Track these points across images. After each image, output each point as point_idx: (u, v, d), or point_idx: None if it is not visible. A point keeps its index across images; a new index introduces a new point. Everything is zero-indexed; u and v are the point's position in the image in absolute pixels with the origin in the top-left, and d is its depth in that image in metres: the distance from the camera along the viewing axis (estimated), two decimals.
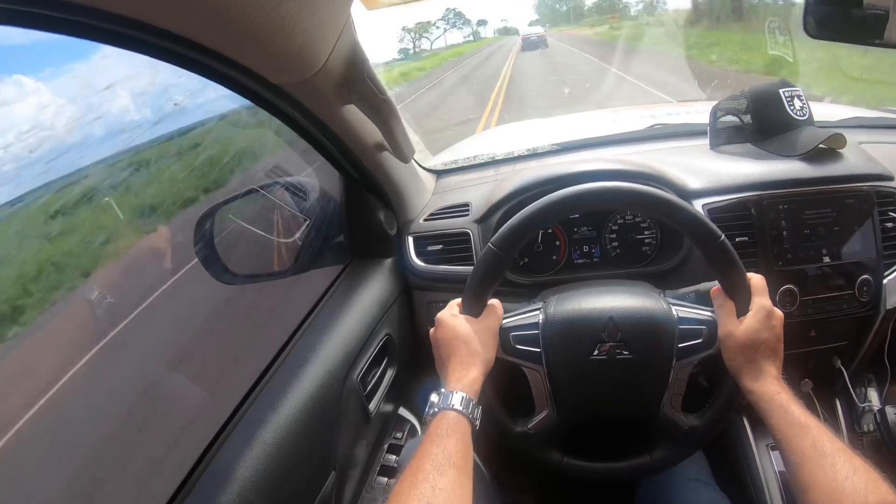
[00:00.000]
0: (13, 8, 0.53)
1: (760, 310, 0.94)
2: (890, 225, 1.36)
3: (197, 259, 1.20)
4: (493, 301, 1.03)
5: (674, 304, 1.02)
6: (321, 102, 1.06)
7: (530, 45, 25.42)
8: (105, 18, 0.61)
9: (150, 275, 1.20)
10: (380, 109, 1.12)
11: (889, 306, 1.37)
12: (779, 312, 0.96)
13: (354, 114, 1.14)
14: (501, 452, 1.12)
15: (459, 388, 0.89)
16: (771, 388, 0.89)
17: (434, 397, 0.90)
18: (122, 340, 1.22)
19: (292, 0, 0.73)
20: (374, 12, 1.29)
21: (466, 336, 0.96)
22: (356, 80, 1.05)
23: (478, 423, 0.89)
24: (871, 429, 1.41)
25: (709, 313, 1.00)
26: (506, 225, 0.99)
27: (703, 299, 1.03)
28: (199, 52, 0.76)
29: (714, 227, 0.96)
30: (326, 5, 0.83)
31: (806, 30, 1.22)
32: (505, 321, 1.04)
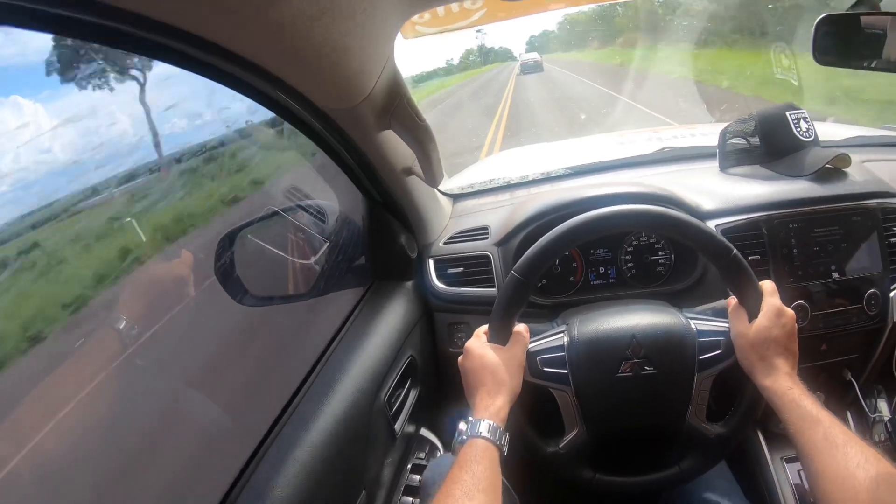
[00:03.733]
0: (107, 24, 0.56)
1: (770, 308, 0.97)
2: (895, 240, 1.41)
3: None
4: (520, 327, 1.05)
5: (692, 319, 1.06)
6: (362, 128, 1.10)
7: (528, 68, 26.54)
8: (184, 39, 0.64)
9: (177, 297, 1.22)
10: (418, 134, 1.16)
11: None
12: (789, 311, 0.98)
13: (389, 139, 1.17)
14: (530, 475, 1.13)
15: (487, 417, 0.91)
16: (784, 384, 0.91)
17: (462, 426, 0.92)
18: (155, 364, 1.23)
19: (355, 30, 0.78)
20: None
21: (494, 366, 0.98)
22: (397, 107, 1.09)
23: (505, 449, 0.90)
24: (883, 438, 1.43)
25: (726, 325, 1.03)
26: (528, 252, 1.01)
27: (720, 315, 1.06)
28: (257, 74, 0.79)
29: (726, 242, 0.99)
30: (380, 35, 0.88)
31: (816, 58, 1.27)
32: (531, 345, 1.06)
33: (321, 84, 0.89)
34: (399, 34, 0.99)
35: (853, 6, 1.26)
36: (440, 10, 1.23)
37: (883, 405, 1.51)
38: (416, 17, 1.01)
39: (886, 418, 1.46)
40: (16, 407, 0.97)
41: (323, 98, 0.95)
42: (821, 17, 1.26)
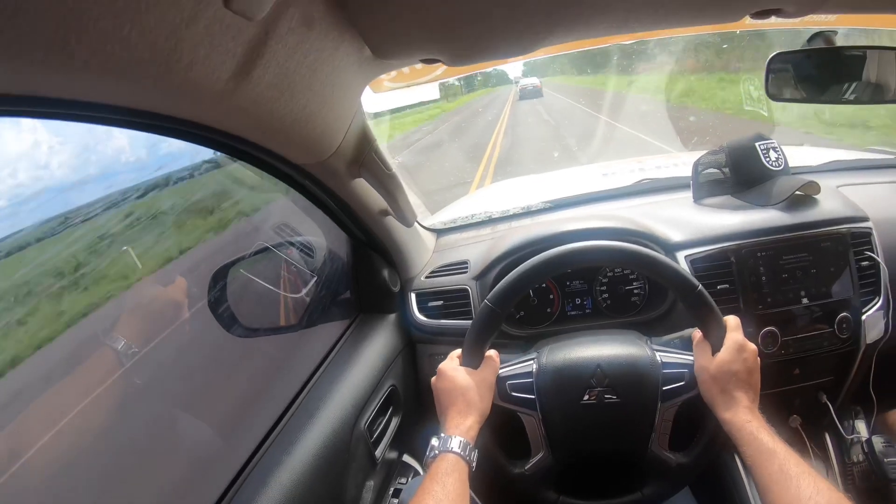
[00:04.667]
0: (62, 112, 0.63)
1: (732, 344, 1.01)
2: (865, 263, 1.44)
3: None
4: (491, 352, 1.11)
5: (658, 351, 1.11)
6: (335, 178, 1.17)
7: (527, 94, 25.91)
8: (169, 120, 0.73)
9: (171, 320, 1.27)
10: (386, 183, 1.23)
11: (869, 341, 1.44)
12: (751, 346, 1.02)
13: (363, 185, 1.24)
14: (497, 491, 1.18)
15: (457, 434, 0.97)
16: (742, 417, 0.95)
17: (434, 441, 0.98)
18: (144, 387, 1.28)
19: (315, 99, 0.86)
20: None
21: (465, 387, 1.03)
22: (365, 158, 1.17)
23: (474, 464, 0.96)
24: (860, 459, 1.46)
25: (690, 357, 1.07)
26: (501, 283, 1.08)
27: (687, 344, 1.10)
28: (240, 142, 0.89)
29: (692, 278, 1.05)
30: (342, 99, 0.96)
31: (769, 93, 1.33)
32: (501, 371, 1.12)
33: (291, 145, 0.97)
34: (369, 90, 1.06)
35: (809, 41, 1.31)
36: (405, 68, 1.30)
37: (861, 426, 1.54)
38: (382, 76, 1.09)
39: (864, 439, 1.48)
40: (15, 418, 1.04)
41: (295, 155, 1.03)
42: (772, 54, 1.31)
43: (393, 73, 1.34)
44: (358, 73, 0.93)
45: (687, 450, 1.09)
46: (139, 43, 0.52)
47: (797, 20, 1.06)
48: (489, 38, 0.89)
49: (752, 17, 0.90)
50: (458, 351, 1.11)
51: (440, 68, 1.35)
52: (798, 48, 1.32)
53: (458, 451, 0.94)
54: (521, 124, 18.02)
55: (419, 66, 1.06)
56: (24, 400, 1.19)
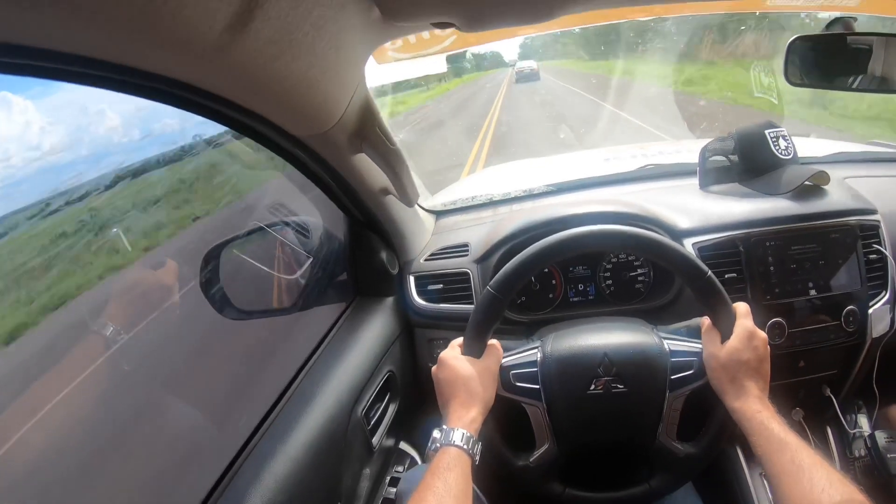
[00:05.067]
0: (39, 64, 0.57)
1: (743, 331, 0.98)
2: (873, 256, 1.42)
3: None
4: (493, 341, 1.07)
5: (665, 338, 1.08)
6: (335, 152, 1.12)
7: (523, 77, 24.98)
8: (155, 80, 0.67)
9: (160, 305, 1.24)
10: (389, 158, 1.17)
11: (875, 335, 1.42)
12: (762, 334, 1.00)
13: (364, 161, 1.19)
14: (501, 484, 1.15)
15: (460, 426, 0.93)
16: (753, 407, 0.92)
17: (436, 433, 0.94)
18: (135, 374, 1.25)
19: (318, 63, 0.80)
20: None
21: (467, 377, 1.00)
22: (368, 132, 1.11)
23: (477, 458, 0.93)
24: (863, 454, 1.44)
25: (699, 345, 1.04)
26: (504, 269, 1.04)
27: (694, 333, 1.07)
28: (234, 109, 0.82)
29: (701, 264, 1.01)
30: (346, 65, 0.90)
31: (788, 79, 1.29)
32: (505, 360, 1.08)
33: (290, 113, 0.92)
34: (373, 60, 1.01)
35: (827, 27, 1.28)
36: (412, 37, 1.25)
37: (864, 420, 1.53)
38: (388, 45, 1.03)
39: (866, 433, 1.47)
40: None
41: (293, 126, 0.97)
42: (793, 38, 1.27)
43: (398, 41, 1.28)
44: (364, 36, 0.87)
45: (695, 440, 1.06)
46: None
47: (818, 3, 1.02)
48: (507, 1, 0.84)
49: None
50: (460, 339, 1.07)
51: (448, 39, 1.30)
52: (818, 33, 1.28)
53: (461, 444, 0.91)
54: (515, 108, 16.90)
55: (426, 34, 1.00)
56: (8, 386, 1.14)
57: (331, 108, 0.97)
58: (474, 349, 1.04)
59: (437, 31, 0.93)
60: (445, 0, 0.81)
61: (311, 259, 1.44)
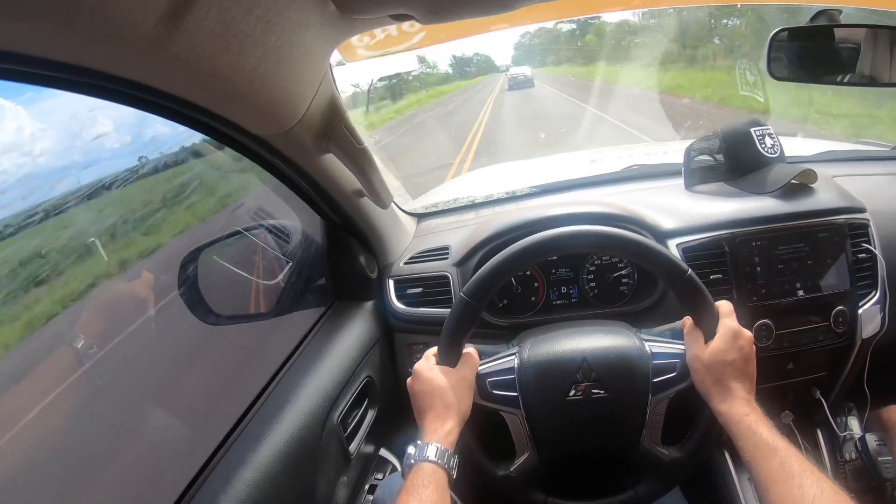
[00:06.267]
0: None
1: (726, 331, 0.96)
2: (863, 256, 1.40)
3: (181, 299, 1.21)
4: (469, 349, 1.05)
5: (647, 341, 1.05)
6: (301, 152, 1.09)
7: (517, 83, 23.92)
8: (97, 77, 0.64)
9: (131, 317, 1.21)
10: (357, 159, 1.15)
11: (865, 336, 1.40)
12: (746, 333, 0.97)
13: (334, 162, 1.17)
14: (483, 494, 1.12)
15: (435, 440, 0.91)
16: (740, 410, 0.90)
17: (411, 449, 0.92)
18: (99, 379, 1.22)
19: (271, 58, 0.77)
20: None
21: (442, 389, 0.97)
22: (334, 131, 1.08)
23: (454, 472, 0.90)
24: (853, 457, 1.42)
25: (682, 347, 1.02)
26: (477, 274, 1.01)
27: (678, 336, 1.05)
28: (187, 107, 0.79)
29: (681, 262, 0.99)
30: (304, 61, 0.87)
31: (771, 73, 1.27)
32: (481, 368, 1.05)
33: (246, 111, 0.89)
34: (341, 58, 0.98)
35: (812, 19, 1.26)
36: (379, 33, 1.22)
37: (854, 423, 1.51)
38: (355, 41, 1.00)
39: (857, 436, 1.45)
40: None
41: (252, 124, 0.94)
42: (776, 30, 1.25)
43: (366, 38, 1.26)
44: (322, 31, 0.84)
45: (680, 444, 1.04)
46: None
47: None
48: None
49: None
50: (435, 349, 1.05)
51: (417, 35, 1.28)
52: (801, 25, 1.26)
53: (435, 459, 0.88)
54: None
55: (395, 31, 0.97)
56: None
57: (291, 106, 0.94)
58: (449, 358, 1.02)
59: (403, 27, 0.90)
60: None
61: (290, 263, 1.42)
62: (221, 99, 0.82)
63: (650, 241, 1.02)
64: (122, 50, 0.60)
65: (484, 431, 1.03)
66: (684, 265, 0.98)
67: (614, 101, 13.26)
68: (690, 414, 1.03)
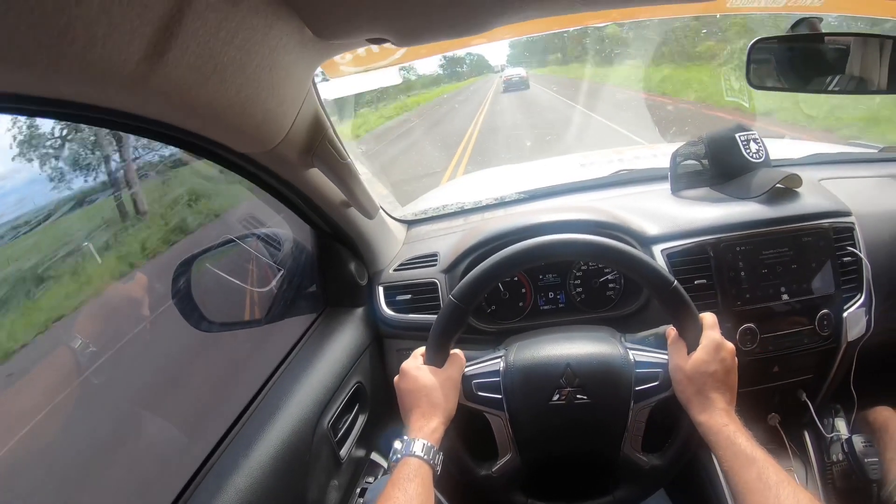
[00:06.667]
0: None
1: (709, 343, 0.97)
2: (848, 259, 1.41)
3: (174, 306, 1.23)
4: (456, 351, 1.07)
5: (631, 349, 1.07)
6: (286, 167, 1.12)
7: (512, 86, 23.24)
8: (84, 108, 0.67)
9: (125, 321, 1.23)
10: (341, 173, 1.17)
11: (850, 338, 1.41)
12: (729, 345, 0.99)
13: (318, 175, 1.19)
14: (465, 493, 1.14)
15: (421, 437, 0.93)
16: (719, 421, 0.91)
17: (398, 444, 0.94)
18: (92, 386, 1.24)
19: (251, 84, 0.79)
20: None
21: (429, 388, 0.99)
22: (318, 147, 1.11)
23: (439, 468, 0.93)
24: (840, 458, 1.42)
25: (665, 356, 1.04)
26: (466, 278, 1.03)
27: (662, 342, 1.07)
28: (172, 130, 0.82)
29: (667, 274, 1.00)
30: (285, 84, 0.89)
31: (750, 82, 1.28)
32: (467, 369, 1.08)
33: (230, 132, 0.91)
34: (323, 74, 1.00)
35: (792, 28, 1.27)
36: (361, 50, 1.24)
37: (841, 424, 1.52)
38: (338, 59, 1.02)
39: (844, 437, 1.45)
40: None
41: (238, 144, 0.97)
42: (754, 40, 1.26)
43: (348, 55, 1.28)
44: (301, 55, 0.86)
45: (660, 451, 1.06)
46: (20, 22, 0.46)
47: (782, 4, 1.01)
48: (439, 14, 0.83)
49: None
50: (422, 349, 1.07)
51: (398, 51, 1.30)
52: (781, 34, 1.27)
53: (421, 454, 0.91)
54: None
55: (363, 50, 0.99)
56: None
57: (274, 126, 0.96)
58: (436, 358, 1.04)
59: (375, 47, 0.92)
60: (375, 17, 0.81)
61: (282, 271, 1.43)
62: (206, 123, 0.84)
63: (637, 252, 1.03)
64: (106, 86, 0.62)
65: (468, 431, 1.05)
66: (670, 277, 1.00)
67: (625, 110, 11.90)
68: (671, 423, 1.04)
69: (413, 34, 0.88)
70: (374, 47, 0.93)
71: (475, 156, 10.19)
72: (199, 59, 0.66)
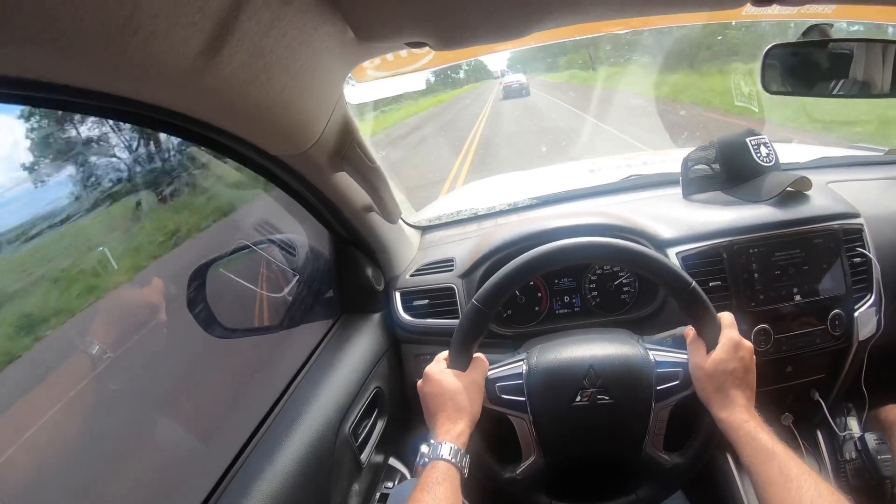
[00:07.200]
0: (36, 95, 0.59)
1: (728, 341, 0.98)
2: (857, 260, 1.43)
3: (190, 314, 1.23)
4: (479, 355, 1.08)
5: (651, 349, 1.08)
6: (315, 170, 1.12)
7: (512, 92, 22.74)
8: (130, 104, 0.67)
9: (147, 323, 1.23)
10: (369, 177, 1.18)
11: (861, 338, 1.42)
12: (747, 343, 1.00)
13: (344, 179, 1.20)
14: (489, 496, 1.14)
15: (448, 440, 0.93)
16: (739, 417, 0.92)
17: (424, 448, 0.94)
18: (120, 392, 1.24)
19: (294, 84, 0.81)
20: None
21: (454, 391, 1.00)
22: (348, 151, 1.12)
23: (466, 471, 0.93)
24: (853, 456, 1.44)
25: (685, 356, 1.05)
26: (488, 282, 1.04)
27: (680, 343, 1.08)
28: (206, 129, 0.83)
29: (685, 275, 1.01)
30: (322, 86, 0.91)
31: (765, 87, 1.30)
32: (490, 373, 1.08)
33: (267, 134, 0.92)
34: (352, 78, 1.01)
35: (804, 34, 1.29)
36: (389, 55, 1.25)
37: (853, 423, 1.53)
38: (366, 63, 1.03)
39: (857, 436, 1.47)
40: None
41: (272, 146, 0.97)
42: (769, 46, 1.28)
43: (377, 60, 1.29)
44: (340, 57, 0.88)
45: (682, 450, 1.06)
46: (87, 10, 0.47)
47: (795, 10, 1.02)
48: (480, 20, 0.84)
49: (753, 5, 0.86)
50: (445, 353, 1.08)
51: (426, 56, 1.31)
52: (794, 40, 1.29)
53: (449, 458, 0.91)
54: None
55: (404, 53, 1.01)
56: None
57: (309, 128, 0.97)
58: (460, 362, 1.04)
59: (414, 50, 0.93)
60: (418, 21, 0.82)
61: (297, 276, 1.44)
62: (246, 124, 0.85)
63: (656, 254, 1.05)
64: (161, 81, 0.63)
65: (492, 435, 1.05)
66: (689, 278, 1.01)
67: (639, 115, 11.25)
68: (692, 421, 1.05)
69: (453, 38, 0.89)
70: (403, 52, 0.94)
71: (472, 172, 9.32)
72: (251, 56, 0.68)
